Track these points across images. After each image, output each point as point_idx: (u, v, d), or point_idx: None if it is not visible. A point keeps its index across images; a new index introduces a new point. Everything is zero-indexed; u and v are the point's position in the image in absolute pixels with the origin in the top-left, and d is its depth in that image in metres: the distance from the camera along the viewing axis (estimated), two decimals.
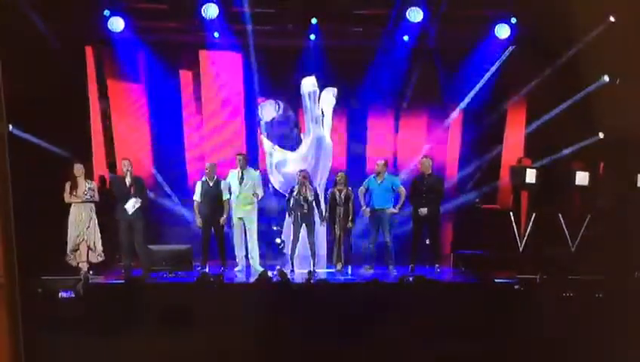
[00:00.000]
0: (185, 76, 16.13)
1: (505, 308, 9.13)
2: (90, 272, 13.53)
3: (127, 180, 13.65)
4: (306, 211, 14.21)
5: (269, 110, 16.14)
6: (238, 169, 14.38)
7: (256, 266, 14.30)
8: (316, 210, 14.47)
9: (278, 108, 16.10)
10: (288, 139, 16.18)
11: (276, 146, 16.01)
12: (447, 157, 16.51)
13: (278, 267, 13.21)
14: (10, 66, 5.02)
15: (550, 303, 9.61)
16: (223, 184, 14.39)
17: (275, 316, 8.41)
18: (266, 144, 16.07)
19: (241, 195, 14.36)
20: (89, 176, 13.92)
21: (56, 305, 9.90)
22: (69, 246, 13.62)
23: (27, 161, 12.93)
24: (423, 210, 14.54)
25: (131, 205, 13.61)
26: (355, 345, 8.03)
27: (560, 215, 14.99)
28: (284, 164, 15.79)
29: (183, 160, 16.22)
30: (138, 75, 15.87)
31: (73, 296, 10.49)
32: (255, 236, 14.60)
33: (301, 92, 15.96)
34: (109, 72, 15.70)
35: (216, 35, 15.62)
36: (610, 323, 8.46)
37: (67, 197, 13.61)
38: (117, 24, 15.14)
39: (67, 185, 13.61)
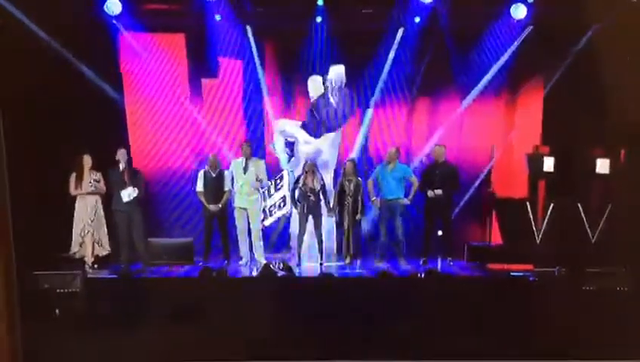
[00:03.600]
0: (185, 60, 16.09)
1: (522, 302, 9.20)
2: (95, 266, 13.68)
3: (120, 168, 13.73)
4: (312, 202, 14.25)
5: (336, 94, 16.12)
6: (242, 158, 14.46)
7: (261, 259, 14.35)
8: (323, 201, 14.49)
9: (346, 93, 16.09)
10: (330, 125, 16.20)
11: (305, 133, 16.00)
12: (461, 144, 16.46)
13: (284, 261, 13.28)
14: (6, 54, 5.10)
15: (569, 297, 9.68)
16: (226, 174, 14.46)
17: (279, 310, 8.50)
18: (300, 132, 16.06)
19: (245, 185, 14.42)
20: (94, 167, 13.93)
21: (54, 301, 10.01)
22: (74, 240, 13.69)
23: (27, 153, 13.08)
24: (433, 192, 14.54)
25: (127, 194, 13.64)
26: (362, 339, 8.11)
27: (579, 205, 14.96)
28: (319, 152, 15.83)
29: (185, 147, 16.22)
30: (136, 58, 15.88)
31: (71, 291, 10.63)
32: (259, 227, 14.67)
33: (328, 79, 15.94)
34: (106, 57, 15.71)
35: (217, 17, 15.64)
36: (632, 317, 8.51)
37: (72, 190, 13.68)
38: (114, 7, 15.13)
39: (72, 177, 13.68)
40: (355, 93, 16.05)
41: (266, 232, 15.29)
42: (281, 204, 14.77)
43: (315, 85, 15.95)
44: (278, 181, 15.20)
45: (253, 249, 14.61)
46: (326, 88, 15.82)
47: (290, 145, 16.08)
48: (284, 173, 15.24)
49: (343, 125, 16.02)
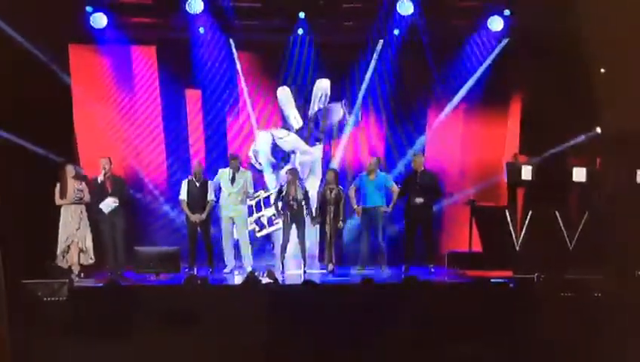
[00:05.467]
0: (169, 72, 16.01)
1: (501, 309, 9.18)
2: (82, 275, 13.62)
3: (100, 178, 13.72)
4: (295, 211, 14.24)
5: (335, 112, 16.29)
6: (229, 169, 14.45)
7: (248, 267, 14.34)
8: (306, 210, 14.48)
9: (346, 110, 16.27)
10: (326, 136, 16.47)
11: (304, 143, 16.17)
12: (440, 153, 16.51)
13: (268, 269, 13.26)
14: None
15: (548, 303, 9.66)
16: (210, 184, 14.39)
17: (264, 318, 8.45)
18: (300, 142, 16.22)
19: (233, 195, 14.42)
20: (77, 176, 13.89)
21: (40, 309, 9.96)
22: (59, 249, 13.63)
23: (11, 163, 13.04)
24: (414, 201, 14.58)
25: (106, 205, 13.65)
26: (344, 348, 8.06)
27: (557, 212, 14.97)
28: (315, 161, 16.04)
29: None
30: (122, 71, 15.83)
31: (58, 299, 10.58)
32: (247, 236, 14.75)
33: (313, 92, 16.17)
34: (92, 70, 15.69)
35: (201, 30, 15.63)
36: (609, 323, 8.51)
37: (57, 200, 13.63)
38: (100, 20, 15.10)
39: (57, 187, 13.63)
40: (367, 111, 16.28)
41: (251, 240, 15.25)
42: (312, 214, 14.72)
43: (285, 95, 16.04)
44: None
45: (241, 257, 14.67)
46: (317, 100, 15.94)
47: (281, 155, 16.12)
48: None
49: (339, 137, 16.17)
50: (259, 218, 15.94)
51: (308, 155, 16.15)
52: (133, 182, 15.45)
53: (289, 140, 16.18)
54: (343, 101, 16.19)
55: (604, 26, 14.31)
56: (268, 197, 15.82)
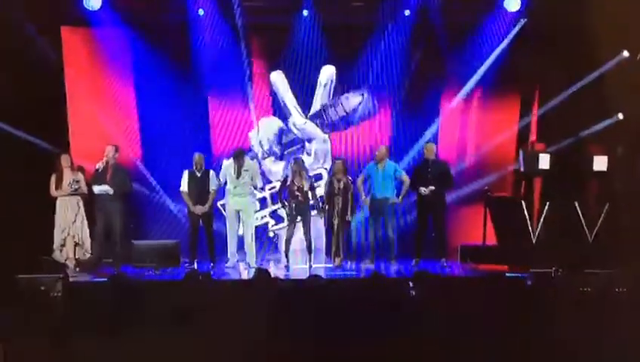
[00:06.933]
0: (166, 55, 15.93)
1: (517, 304, 9.24)
2: (77, 269, 13.62)
3: (100, 165, 13.78)
4: (301, 202, 14.23)
5: (354, 100, 16.33)
6: (234, 164, 14.30)
7: (252, 263, 14.31)
8: (312, 201, 14.46)
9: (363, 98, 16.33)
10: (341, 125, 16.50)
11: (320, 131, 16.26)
12: (454, 141, 16.53)
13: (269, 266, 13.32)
14: None
15: (566, 299, 9.71)
16: (211, 174, 14.39)
17: (269, 314, 8.52)
18: (317, 130, 16.35)
19: (238, 187, 14.32)
20: (74, 167, 13.92)
21: (34, 305, 10.03)
22: (55, 242, 13.64)
23: (3, 154, 13.11)
24: (425, 189, 14.53)
25: (98, 190, 13.74)
26: (352, 346, 8.12)
27: (576, 203, 14.98)
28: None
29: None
30: (117, 55, 15.82)
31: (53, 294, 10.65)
32: (253, 230, 14.63)
33: (319, 78, 16.18)
34: (86, 54, 15.68)
35: (200, 12, 15.63)
36: (631, 320, 8.55)
37: (52, 191, 13.62)
38: (94, 2, 15.08)
39: (52, 178, 13.61)
40: (376, 97, 16.25)
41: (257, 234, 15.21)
42: (319, 206, 14.77)
43: (279, 79, 16.15)
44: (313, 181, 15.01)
45: (243, 251, 14.63)
46: (323, 86, 15.96)
47: (291, 143, 16.14)
48: (322, 171, 15.39)
49: (356, 125, 16.26)
50: (275, 210, 15.96)
51: (324, 143, 16.18)
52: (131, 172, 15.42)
53: (305, 128, 16.19)
54: (364, 92, 16.20)
55: (628, 5, 14.29)
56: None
